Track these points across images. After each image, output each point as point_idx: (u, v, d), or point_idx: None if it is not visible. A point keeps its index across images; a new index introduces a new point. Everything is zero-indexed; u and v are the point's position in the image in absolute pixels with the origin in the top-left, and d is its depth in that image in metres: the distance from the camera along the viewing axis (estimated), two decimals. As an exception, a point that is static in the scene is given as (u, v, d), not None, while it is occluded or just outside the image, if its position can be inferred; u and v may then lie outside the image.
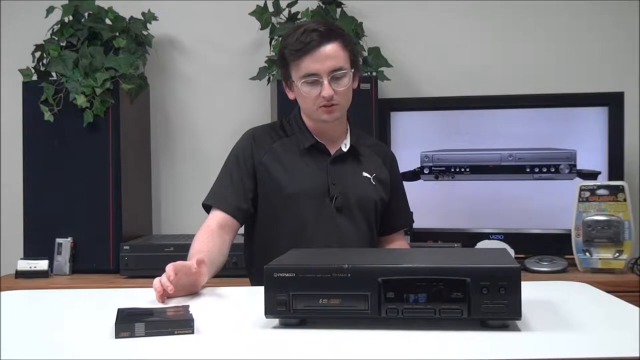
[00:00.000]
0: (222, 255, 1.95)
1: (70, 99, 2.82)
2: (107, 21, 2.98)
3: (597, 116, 2.91)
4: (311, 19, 2.91)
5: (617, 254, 2.69)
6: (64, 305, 1.67)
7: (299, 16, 2.99)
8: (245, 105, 3.22)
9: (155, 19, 3.05)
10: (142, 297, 1.63)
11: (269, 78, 3.00)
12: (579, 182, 2.79)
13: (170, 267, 1.63)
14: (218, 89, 3.26)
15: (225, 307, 1.62)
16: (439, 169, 3.00)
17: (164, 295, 1.59)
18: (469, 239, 2.86)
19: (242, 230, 2.13)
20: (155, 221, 3.25)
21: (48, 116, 2.82)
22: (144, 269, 2.70)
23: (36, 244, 2.86)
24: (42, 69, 2.92)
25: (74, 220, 2.86)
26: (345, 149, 2.10)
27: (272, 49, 2.99)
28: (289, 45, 1.98)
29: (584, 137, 2.92)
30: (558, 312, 1.45)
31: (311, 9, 2.99)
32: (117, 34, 2.95)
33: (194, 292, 1.71)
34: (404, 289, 1.28)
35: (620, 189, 2.71)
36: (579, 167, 2.90)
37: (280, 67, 2.07)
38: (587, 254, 2.71)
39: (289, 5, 3.01)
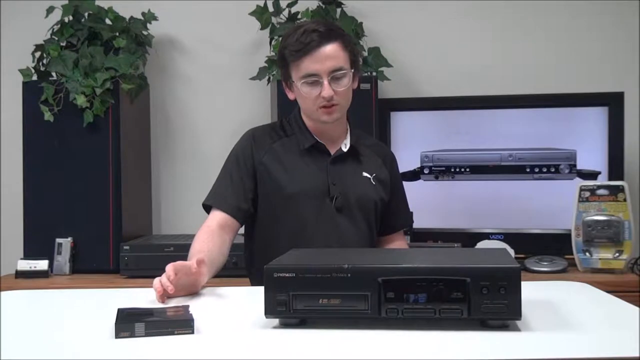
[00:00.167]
0: (222, 255, 1.95)
1: (70, 99, 2.82)
2: (107, 21, 2.98)
3: (597, 116, 2.91)
4: (311, 19, 2.91)
5: (617, 254, 2.69)
6: (64, 305, 1.67)
7: (299, 16, 2.99)
8: (245, 105, 3.22)
9: (155, 19, 3.05)
10: (142, 297, 1.63)
11: (269, 78, 3.00)
12: (579, 182, 2.79)
13: (170, 267, 1.63)
14: (218, 89, 3.26)
15: (225, 307, 1.62)
16: (439, 169, 3.00)
17: (164, 295, 1.59)
18: (469, 239, 2.85)
19: (242, 230, 2.13)
20: (155, 221, 3.25)
21: (48, 116, 2.82)
22: (144, 269, 2.70)
23: (36, 244, 2.86)
24: (42, 69, 2.92)
25: (74, 220, 2.86)
26: (345, 149, 2.10)
27: (272, 49, 2.99)
28: (289, 45, 1.98)
29: (584, 137, 2.92)
30: (558, 312, 1.45)
31: (311, 9, 2.99)
32: (117, 34, 2.95)
33: (194, 292, 1.71)
34: (404, 289, 1.28)
35: (620, 189, 2.71)
36: (579, 167, 2.90)
37: (280, 67, 2.07)
38: (587, 254, 2.71)
39: (289, 5, 3.02)
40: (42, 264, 2.80)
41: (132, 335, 1.26)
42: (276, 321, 1.33)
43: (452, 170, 2.99)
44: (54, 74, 2.87)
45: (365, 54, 2.98)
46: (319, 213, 2.03)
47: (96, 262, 2.85)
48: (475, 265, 1.29)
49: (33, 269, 2.79)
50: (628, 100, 2.91)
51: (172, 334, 1.28)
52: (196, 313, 1.36)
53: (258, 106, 3.18)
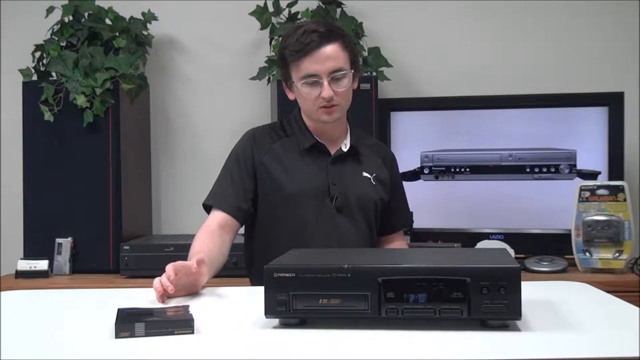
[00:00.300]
0: (222, 255, 1.95)
1: (70, 99, 2.82)
2: (107, 21, 2.98)
3: (597, 116, 2.91)
4: (311, 19, 2.91)
5: (617, 254, 2.68)
6: (64, 305, 1.67)
7: (299, 16, 2.99)
8: (245, 105, 3.22)
9: (155, 19, 3.05)
10: (142, 297, 1.63)
11: (269, 78, 3.00)
12: (579, 182, 2.79)
13: (170, 267, 1.63)
14: (218, 89, 3.26)
15: (225, 307, 1.62)
16: (439, 169, 3.00)
17: (164, 295, 1.59)
18: (469, 239, 2.85)
19: (242, 230, 2.13)
20: (155, 221, 3.25)
21: (48, 116, 2.82)
22: (144, 269, 2.70)
23: (36, 244, 2.86)
24: (42, 69, 2.92)
25: (74, 220, 2.86)
26: (345, 149, 2.10)
27: (272, 49, 2.99)
28: (289, 45, 1.98)
29: (584, 137, 2.92)
30: (558, 312, 1.45)
31: (311, 9, 2.99)
32: (117, 34, 2.95)
33: (194, 292, 1.71)
34: (404, 289, 1.28)
35: (620, 189, 2.71)
36: (579, 167, 2.90)
37: (280, 67, 2.07)
38: (587, 254, 2.71)
39: (289, 5, 3.01)
40: (42, 264, 2.80)
41: (132, 335, 1.26)
42: (276, 321, 1.33)
43: (452, 170, 2.99)
44: (54, 74, 2.87)
45: (365, 54, 2.98)
46: (319, 213, 2.03)
47: (96, 262, 2.85)
48: (475, 265, 1.29)
49: (33, 269, 2.79)
50: (628, 100, 2.91)
51: (172, 334, 1.28)
52: (196, 313, 1.36)
53: (258, 106, 3.18)
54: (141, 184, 3.15)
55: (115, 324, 1.28)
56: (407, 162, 2.92)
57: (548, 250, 2.82)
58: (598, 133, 2.90)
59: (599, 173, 2.88)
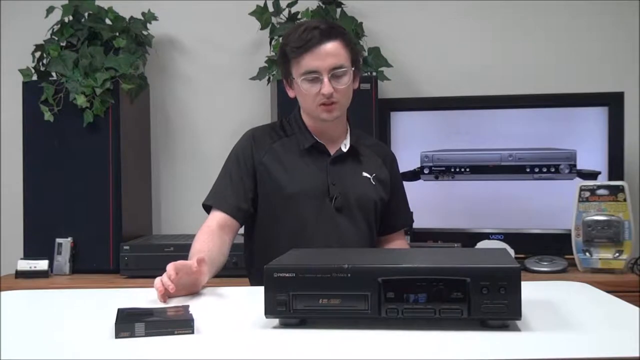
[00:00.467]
0: (222, 255, 1.95)
1: (70, 99, 2.82)
2: (107, 21, 2.98)
3: (597, 116, 2.91)
4: (311, 19, 2.91)
5: (617, 254, 2.68)
6: (64, 305, 1.67)
7: (299, 16, 2.99)
8: (245, 105, 3.22)
9: (155, 19, 3.05)
10: (142, 297, 1.63)
11: (269, 78, 3.00)
12: (579, 182, 2.79)
13: (171, 267, 1.63)
14: (218, 89, 3.26)
15: (225, 307, 1.62)
16: (439, 169, 3.00)
17: (166, 295, 1.59)
18: (469, 239, 2.85)
19: (242, 230, 2.12)
20: (155, 221, 3.25)
21: (48, 116, 2.82)
22: (144, 269, 2.70)
23: (36, 244, 2.86)
24: (42, 69, 2.92)
25: (74, 220, 2.86)
26: (345, 149, 2.10)
27: (272, 49, 2.99)
28: (290, 42, 1.98)
29: (584, 137, 2.92)
30: (558, 312, 1.45)
31: (311, 9, 2.99)
32: (117, 34, 2.95)
33: (195, 292, 1.71)
34: (404, 289, 1.28)
35: (620, 189, 2.71)
36: (579, 167, 2.90)
37: (281, 64, 2.07)
38: (587, 254, 2.71)
39: (289, 5, 3.02)
40: (42, 264, 2.80)
41: (132, 335, 1.26)
42: (276, 321, 1.33)
43: (452, 170, 2.99)
44: (54, 74, 2.87)
45: (365, 54, 2.98)
46: (319, 213, 2.03)
47: (96, 262, 2.85)
48: (475, 265, 1.29)
49: (33, 269, 2.79)
50: (628, 100, 2.91)
51: (172, 334, 1.28)
52: (196, 313, 1.36)
53: (258, 106, 3.18)
54: (141, 184, 3.15)
55: (115, 324, 1.28)
56: (407, 162, 2.91)
57: (548, 250, 2.82)
58: (598, 133, 2.90)
59: (599, 173, 2.88)
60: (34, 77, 2.91)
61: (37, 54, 2.92)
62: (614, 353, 1.15)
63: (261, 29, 3.03)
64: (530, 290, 1.38)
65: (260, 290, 1.33)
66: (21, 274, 2.79)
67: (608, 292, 1.67)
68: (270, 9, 3.01)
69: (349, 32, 2.13)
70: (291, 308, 1.30)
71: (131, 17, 3.02)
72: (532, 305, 1.40)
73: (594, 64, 3.15)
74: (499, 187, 2.96)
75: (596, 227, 2.69)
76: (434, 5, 3.21)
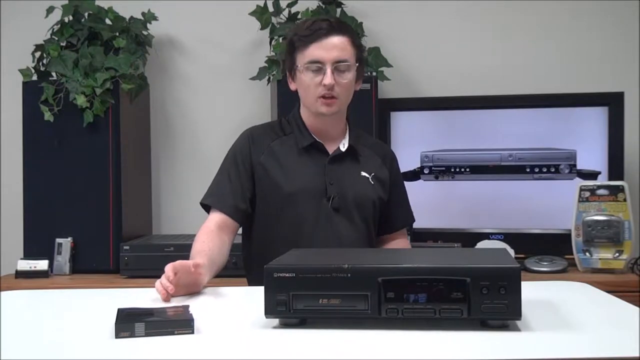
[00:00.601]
0: (222, 255, 1.95)
1: (70, 99, 2.82)
2: (107, 21, 2.98)
3: (597, 116, 2.91)
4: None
5: (617, 254, 2.69)
6: (64, 305, 1.67)
7: (299, 16, 2.99)
8: (245, 105, 3.22)
9: (155, 19, 3.05)
10: (142, 297, 1.63)
11: (269, 78, 3.00)
12: (579, 182, 2.79)
13: (169, 267, 1.63)
14: (218, 89, 3.26)
15: (225, 307, 1.62)
16: (439, 169, 3.00)
17: (169, 295, 1.60)
18: (469, 239, 2.85)
19: (240, 230, 2.12)
20: (155, 221, 3.25)
21: (48, 116, 2.82)
22: (144, 269, 2.70)
23: (36, 244, 2.86)
24: (42, 69, 2.92)
25: (74, 220, 2.85)
26: (343, 149, 2.09)
27: (272, 49, 2.99)
28: (299, 32, 2.01)
29: (584, 137, 2.92)
30: (558, 312, 1.45)
31: (311, 9, 2.99)
32: (117, 34, 2.95)
33: (195, 291, 1.71)
34: (404, 289, 1.28)
35: (620, 189, 2.71)
36: (579, 167, 2.90)
37: (287, 54, 2.07)
38: (587, 254, 2.71)
39: (289, 5, 3.02)
40: (42, 264, 2.79)
41: (132, 335, 1.26)
42: (276, 321, 1.33)
43: (452, 170, 2.99)
44: (54, 74, 2.87)
45: (365, 54, 2.97)
46: (317, 213, 2.03)
47: (96, 262, 2.85)
48: (475, 265, 1.29)
49: (33, 269, 2.79)
50: (628, 100, 2.91)
51: (172, 334, 1.28)
52: (196, 313, 1.36)
53: (258, 106, 3.18)
54: (141, 184, 3.15)
55: (115, 324, 1.28)
56: (407, 162, 2.91)
57: (548, 250, 2.82)
58: (598, 133, 2.90)
59: (599, 173, 2.88)
60: (34, 77, 2.91)
61: (37, 54, 2.92)
62: (614, 353, 1.15)
63: (261, 29, 3.03)
64: (530, 290, 1.38)
65: (260, 290, 1.33)
66: (21, 274, 2.79)
67: (608, 292, 1.67)
68: (270, 9, 3.01)
69: (356, 33, 2.14)
70: (291, 308, 1.30)
71: (131, 17, 3.02)
72: (532, 305, 1.40)
73: (594, 64, 3.15)
74: (499, 187, 2.96)
75: (596, 227, 2.69)
76: (434, 5, 3.21)
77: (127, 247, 2.78)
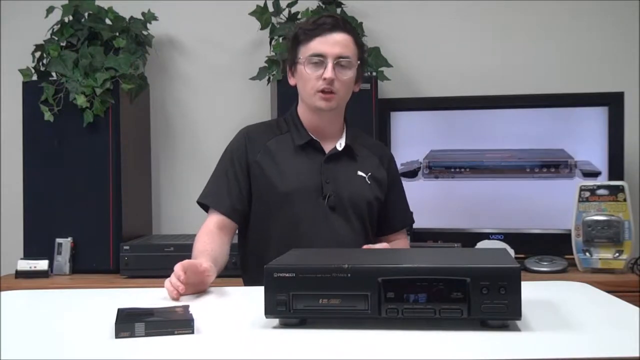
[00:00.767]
0: (223, 255, 1.95)
1: (70, 99, 2.82)
2: (107, 21, 2.99)
3: (597, 116, 2.91)
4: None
5: (617, 254, 2.69)
6: (64, 305, 1.67)
7: (299, 16, 2.99)
8: (245, 105, 3.22)
9: (155, 19, 3.06)
10: (142, 297, 1.63)
11: (269, 78, 3.00)
12: (579, 182, 2.79)
13: (178, 267, 1.63)
14: (218, 89, 3.26)
15: (225, 307, 1.62)
16: (439, 169, 3.00)
17: (178, 294, 1.61)
18: (469, 239, 2.85)
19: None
20: (155, 221, 3.25)
21: (48, 116, 2.82)
22: (144, 269, 2.70)
23: (36, 244, 2.86)
24: (42, 69, 2.92)
25: (74, 220, 2.85)
26: (340, 148, 2.09)
27: (272, 49, 2.99)
28: (304, 26, 2.03)
29: (584, 137, 2.92)
30: (558, 312, 1.45)
31: (311, 9, 2.99)
32: (117, 34, 2.95)
33: (202, 290, 1.71)
34: (404, 289, 1.28)
35: (620, 189, 2.71)
36: (579, 167, 2.90)
37: (290, 48, 2.07)
38: (587, 254, 2.71)
39: (289, 5, 3.02)
40: (42, 264, 2.80)
41: (132, 335, 1.26)
42: (276, 321, 1.33)
43: (452, 170, 2.99)
44: (54, 74, 2.87)
45: (366, 55, 2.97)
46: (313, 212, 2.02)
47: (96, 262, 2.85)
48: (475, 265, 1.29)
49: (33, 269, 2.79)
50: (628, 100, 2.91)
51: (172, 334, 1.28)
52: (196, 313, 1.36)
53: (258, 106, 3.18)
54: (141, 184, 3.15)
55: (115, 324, 1.28)
56: (407, 162, 2.91)
57: (548, 250, 2.82)
58: (598, 133, 2.90)
59: (599, 173, 2.88)
60: (34, 77, 2.91)
61: (37, 54, 2.92)
62: (614, 353, 1.15)
63: (261, 29, 3.03)
64: (530, 290, 1.38)
65: (259, 290, 1.33)
66: (21, 274, 2.79)
67: (608, 292, 1.67)
68: (270, 9, 3.02)
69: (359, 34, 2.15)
70: (291, 308, 1.30)
71: (131, 17, 3.02)
72: (532, 305, 1.40)
73: (594, 64, 3.15)
74: (499, 187, 2.96)
75: (596, 227, 2.69)
76: (434, 5, 3.21)
77: (127, 247, 2.78)
